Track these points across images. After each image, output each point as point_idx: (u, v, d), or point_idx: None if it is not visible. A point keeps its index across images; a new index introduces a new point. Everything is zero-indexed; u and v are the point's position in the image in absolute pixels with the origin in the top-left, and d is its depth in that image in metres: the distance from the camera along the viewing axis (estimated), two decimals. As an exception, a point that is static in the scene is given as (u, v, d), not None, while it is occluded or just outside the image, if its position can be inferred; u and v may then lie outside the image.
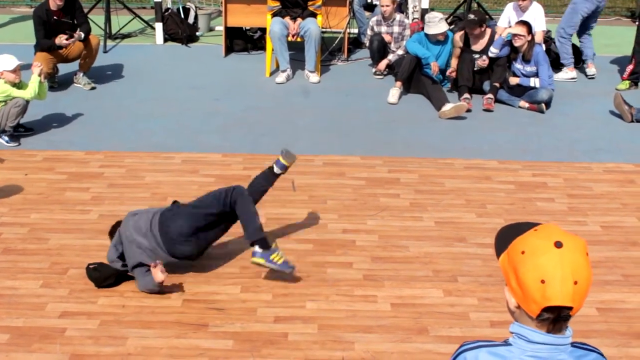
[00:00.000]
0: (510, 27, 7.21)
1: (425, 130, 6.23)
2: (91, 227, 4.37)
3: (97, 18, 8.60)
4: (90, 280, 3.70)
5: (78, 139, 5.84)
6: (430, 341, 3.36)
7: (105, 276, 3.71)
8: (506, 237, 1.62)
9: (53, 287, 3.73)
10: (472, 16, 7.14)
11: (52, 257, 4.03)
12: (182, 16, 9.33)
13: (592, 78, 7.82)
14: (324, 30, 7.94)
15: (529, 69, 6.88)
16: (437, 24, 7.06)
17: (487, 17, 8.25)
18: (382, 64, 7.75)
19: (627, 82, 7.47)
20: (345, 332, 3.41)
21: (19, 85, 5.72)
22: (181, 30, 9.08)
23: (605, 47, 8.68)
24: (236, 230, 3.97)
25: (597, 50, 8.05)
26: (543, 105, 6.73)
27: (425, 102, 6.92)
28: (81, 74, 7.18)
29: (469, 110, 6.60)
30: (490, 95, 6.84)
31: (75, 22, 7.00)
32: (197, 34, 9.41)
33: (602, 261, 4.08)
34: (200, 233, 3.70)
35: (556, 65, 7.79)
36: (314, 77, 7.59)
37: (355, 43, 8.98)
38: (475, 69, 7.07)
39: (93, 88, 7.16)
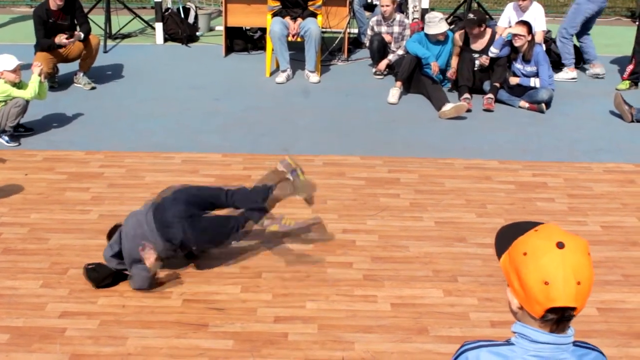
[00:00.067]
0: (510, 27, 7.21)
1: (425, 130, 6.23)
2: (91, 227, 4.37)
3: (97, 18, 8.61)
4: (88, 281, 3.70)
5: (78, 139, 5.84)
6: (430, 341, 3.36)
7: (103, 276, 3.71)
8: (506, 237, 1.62)
9: (53, 287, 3.73)
10: (471, 15, 7.15)
11: (52, 257, 4.03)
12: (182, 16, 9.33)
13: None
14: (324, 30, 7.94)
15: (529, 69, 6.88)
16: (437, 24, 7.06)
17: (487, 17, 8.25)
18: (382, 64, 7.75)
19: (627, 82, 7.47)
20: (345, 332, 3.41)
21: (19, 85, 5.72)
22: (181, 30, 9.08)
23: (605, 47, 8.68)
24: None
25: (597, 50, 8.05)
26: (543, 105, 6.74)
27: (425, 102, 6.92)
28: (81, 74, 7.18)
29: (469, 110, 6.60)
30: (490, 95, 6.84)
31: (76, 22, 7.01)
32: (197, 34, 9.42)
33: (602, 261, 4.08)
34: (194, 218, 3.69)
35: (556, 65, 7.80)
36: (314, 77, 7.59)
37: (355, 43, 8.98)
38: (476, 68, 7.07)
39: (93, 88, 7.16)
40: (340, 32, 8.30)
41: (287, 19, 7.55)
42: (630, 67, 7.50)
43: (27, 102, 5.71)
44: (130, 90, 7.19)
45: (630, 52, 7.63)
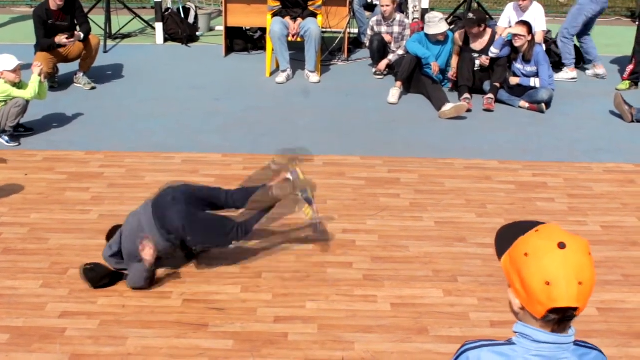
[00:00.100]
0: (510, 27, 7.21)
1: (425, 130, 6.23)
2: (91, 227, 4.37)
3: (97, 18, 8.61)
4: (86, 281, 3.69)
5: (78, 139, 5.84)
6: (430, 341, 3.36)
7: (100, 276, 3.71)
8: (507, 237, 1.62)
9: (53, 287, 3.73)
10: (471, 15, 7.15)
11: (52, 257, 4.03)
12: (182, 16, 9.33)
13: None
14: (324, 30, 7.94)
15: (529, 69, 6.88)
16: (437, 24, 7.06)
17: (487, 17, 8.25)
18: (382, 64, 7.75)
19: (627, 82, 7.48)
20: (345, 332, 3.41)
21: (19, 85, 5.72)
22: (181, 30, 9.08)
23: (605, 47, 8.68)
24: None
25: (597, 51, 8.05)
26: (543, 105, 6.74)
27: (425, 102, 6.92)
28: (81, 74, 7.18)
29: (469, 110, 6.60)
30: (490, 95, 6.84)
31: (75, 22, 7.01)
32: (197, 34, 9.42)
33: (602, 261, 4.08)
34: (194, 216, 3.69)
35: (557, 65, 7.80)
36: (314, 77, 7.59)
37: (355, 43, 8.98)
38: (476, 68, 7.07)
39: (93, 88, 7.16)
40: (340, 32, 8.30)
41: (287, 19, 7.55)
42: (630, 67, 7.50)
43: (27, 102, 5.71)
44: (130, 90, 7.19)
45: (630, 52, 7.63)
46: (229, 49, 8.63)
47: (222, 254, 4.04)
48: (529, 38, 6.80)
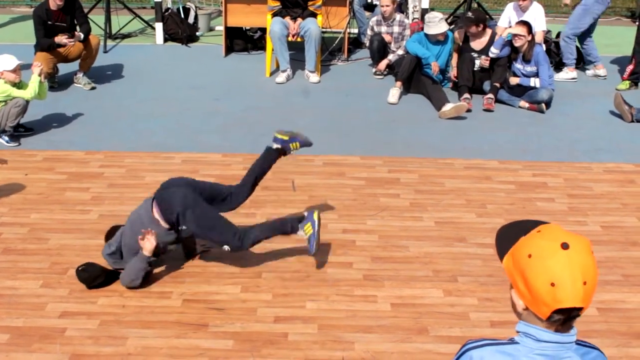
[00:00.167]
0: (510, 27, 7.21)
1: (425, 130, 6.23)
2: (91, 227, 4.37)
3: (97, 18, 8.61)
4: (81, 282, 3.69)
5: (78, 139, 5.84)
6: (430, 341, 3.36)
7: (94, 276, 3.69)
8: (507, 237, 1.62)
9: (53, 287, 3.73)
10: (469, 14, 7.16)
11: (52, 257, 4.03)
12: (182, 16, 9.33)
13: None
14: (324, 30, 7.94)
15: (529, 69, 6.88)
16: (437, 24, 7.07)
17: (487, 17, 8.25)
18: (382, 64, 7.75)
19: (627, 82, 7.48)
20: (345, 332, 3.41)
21: (19, 85, 5.72)
22: (181, 30, 9.08)
23: (605, 47, 8.68)
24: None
25: (598, 51, 8.05)
26: (543, 105, 6.74)
27: (425, 102, 6.92)
28: (81, 74, 7.18)
29: (469, 110, 6.60)
30: (490, 95, 6.84)
31: (75, 22, 7.01)
32: (197, 34, 9.42)
33: (602, 261, 4.07)
34: (196, 201, 3.69)
35: (557, 65, 7.79)
36: (314, 77, 7.59)
37: (355, 43, 8.98)
38: (476, 68, 7.07)
39: (93, 88, 7.16)
40: (340, 32, 8.30)
41: (287, 19, 7.55)
42: (630, 67, 7.51)
43: (27, 102, 5.71)
44: (130, 90, 7.19)
45: (630, 52, 7.63)
46: (229, 49, 8.63)
47: (222, 254, 4.03)
48: (529, 38, 6.80)
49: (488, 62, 7.01)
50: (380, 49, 7.76)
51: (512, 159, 5.56)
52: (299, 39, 7.66)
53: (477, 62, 7.09)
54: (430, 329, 3.44)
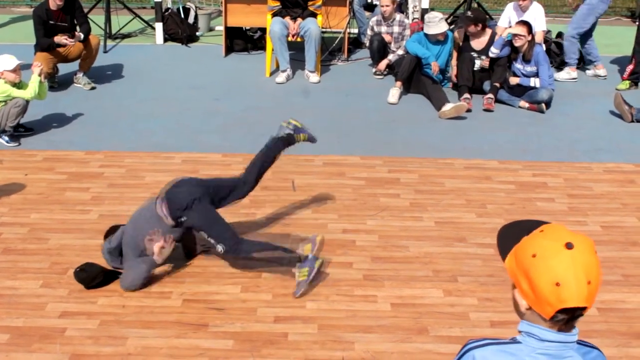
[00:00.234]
0: (510, 27, 7.21)
1: (425, 130, 6.23)
2: (91, 227, 4.37)
3: (97, 18, 8.61)
4: (79, 283, 3.69)
5: (78, 139, 5.84)
6: (430, 341, 3.36)
7: (92, 276, 3.69)
8: (509, 237, 1.62)
9: (53, 287, 3.73)
10: (469, 13, 7.17)
11: (52, 257, 4.03)
12: (182, 16, 9.33)
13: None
14: (324, 30, 7.94)
15: (529, 69, 6.88)
16: (437, 24, 7.07)
17: (486, 16, 8.25)
18: (382, 64, 7.75)
19: (627, 82, 7.48)
20: (345, 332, 3.41)
21: (19, 85, 5.72)
22: (181, 30, 9.08)
23: (605, 47, 8.68)
24: (237, 230, 3.97)
25: (598, 51, 8.05)
26: (543, 105, 6.74)
27: (425, 102, 6.92)
28: (81, 74, 7.18)
29: (469, 110, 6.60)
30: (490, 95, 6.84)
31: (75, 22, 7.01)
32: (197, 34, 9.42)
33: (602, 261, 4.02)
34: (203, 196, 3.74)
35: (559, 65, 7.79)
36: (314, 77, 7.59)
37: (355, 43, 8.98)
38: (476, 68, 7.07)
39: (93, 88, 7.16)
40: (340, 32, 8.30)
41: (287, 19, 7.55)
42: (630, 67, 7.50)
43: (27, 102, 5.71)
44: (130, 90, 7.19)
45: (630, 52, 7.63)
46: (229, 49, 8.63)
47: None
48: (529, 38, 6.80)
49: (488, 62, 7.01)
50: (380, 49, 7.76)
51: (512, 159, 5.56)
52: (299, 39, 7.66)
53: (477, 62, 7.09)
54: (430, 329, 3.44)
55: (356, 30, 9.05)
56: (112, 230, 3.90)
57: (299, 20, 7.51)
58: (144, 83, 7.45)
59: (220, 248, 3.69)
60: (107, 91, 7.17)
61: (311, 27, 7.46)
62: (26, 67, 6.03)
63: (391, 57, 7.74)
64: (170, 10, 9.28)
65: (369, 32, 8.03)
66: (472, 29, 7.04)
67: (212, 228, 3.70)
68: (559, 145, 5.94)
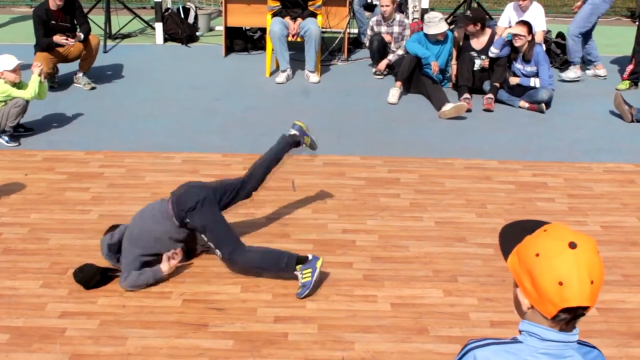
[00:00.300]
0: (510, 27, 7.21)
1: (425, 130, 6.23)
2: (91, 227, 4.37)
3: (97, 18, 8.61)
4: (79, 284, 3.69)
5: (78, 139, 5.84)
6: (430, 341, 3.36)
7: (90, 276, 3.69)
8: (511, 237, 1.62)
9: (53, 287, 3.73)
10: (468, 13, 7.17)
11: (52, 257, 4.03)
12: (182, 16, 9.33)
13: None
14: (324, 30, 7.94)
15: (529, 69, 6.88)
16: (437, 24, 7.07)
17: (486, 16, 8.25)
18: (382, 64, 7.75)
19: (627, 82, 7.47)
20: (345, 332, 3.41)
21: (19, 85, 5.72)
22: (181, 30, 9.08)
23: (605, 47, 8.68)
24: (236, 230, 3.97)
25: (598, 50, 8.04)
26: (543, 105, 6.74)
27: (425, 102, 6.92)
28: (81, 74, 7.18)
29: (469, 110, 6.60)
30: (490, 95, 6.84)
31: (75, 22, 7.01)
32: (197, 34, 9.42)
33: (603, 261, 4.06)
34: (210, 198, 3.79)
35: (562, 64, 7.78)
36: (314, 77, 7.59)
37: (355, 43, 8.98)
38: (476, 68, 7.07)
39: (93, 88, 7.16)
40: (340, 32, 8.30)
41: (287, 19, 7.55)
42: (630, 67, 7.50)
43: (27, 102, 5.71)
44: (130, 90, 7.19)
45: (630, 52, 7.63)
46: (229, 49, 8.63)
47: (222, 254, 4.04)
48: (529, 38, 6.80)
49: (487, 62, 7.01)
50: (380, 49, 7.76)
51: (512, 159, 5.56)
52: (299, 39, 7.66)
53: (477, 62, 7.09)
54: (430, 329, 3.44)
55: (356, 30, 9.05)
56: (112, 229, 3.90)
57: (299, 20, 7.51)
58: (144, 83, 7.45)
59: (218, 253, 3.76)
60: (107, 91, 7.17)
61: (311, 27, 7.46)
62: (26, 67, 6.03)
63: (391, 57, 7.74)
64: (170, 10, 9.28)
65: (369, 32, 8.03)
66: (471, 28, 7.04)
67: (213, 232, 3.74)
68: (559, 145, 5.94)
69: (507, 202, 4.82)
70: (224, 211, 3.88)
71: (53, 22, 6.76)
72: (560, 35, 8.40)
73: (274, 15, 7.57)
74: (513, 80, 6.94)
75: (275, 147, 4.22)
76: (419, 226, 4.47)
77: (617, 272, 3.99)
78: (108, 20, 9.01)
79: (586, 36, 7.79)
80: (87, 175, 5.13)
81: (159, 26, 9.04)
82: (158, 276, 3.73)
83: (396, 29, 7.76)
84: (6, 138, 5.69)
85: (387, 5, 7.59)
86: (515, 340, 1.58)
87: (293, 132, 4.28)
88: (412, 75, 7.08)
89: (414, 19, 8.50)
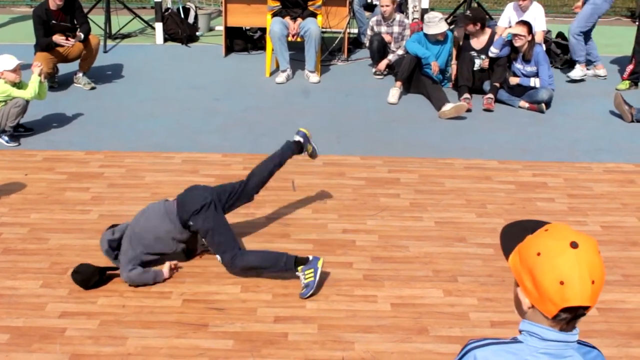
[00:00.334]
0: (510, 27, 7.21)
1: (425, 130, 6.23)
2: (91, 227, 4.37)
3: (97, 18, 8.61)
4: (78, 285, 3.69)
5: (78, 139, 5.84)
6: (430, 341, 3.36)
7: (87, 277, 3.69)
8: (512, 236, 1.62)
9: (53, 287, 3.73)
10: (468, 12, 7.17)
11: (52, 257, 4.03)
12: (182, 16, 9.33)
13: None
14: (324, 30, 7.94)
15: (529, 69, 6.88)
16: (437, 24, 7.07)
17: (485, 16, 8.25)
18: (382, 64, 7.75)
19: (627, 82, 7.47)
20: (345, 332, 3.41)
21: (19, 85, 5.72)
22: (181, 30, 9.08)
23: (605, 47, 8.68)
24: (237, 230, 3.97)
25: (598, 50, 8.04)
26: (543, 105, 6.74)
27: (425, 102, 6.92)
28: (81, 74, 7.18)
29: (469, 110, 6.60)
30: (490, 95, 6.84)
31: (75, 22, 7.01)
32: (197, 34, 9.42)
33: (603, 261, 4.07)
34: (216, 203, 3.82)
35: (564, 63, 7.77)
36: (314, 77, 7.59)
37: (355, 43, 8.98)
38: (476, 68, 7.08)
39: (93, 88, 7.16)
40: (340, 32, 8.30)
41: (287, 19, 7.55)
42: (630, 67, 7.50)
43: (27, 102, 5.71)
44: (130, 90, 7.19)
45: (630, 52, 7.63)
46: (229, 49, 8.63)
47: (222, 254, 4.04)
48: (529, 38, 6.80)
49: (487, 62, 7.01)
50: (380, 49, 7.76)
51: (512, 159, 5.56)
52: (299, 39, 7.66)
53: (477, 62, 7.09)
54: (430, 329, 3.44)
55: (356, 30, 9.05)
56: (112, 227, 3.90)
57: (299, 20, 7.51)
58: (144, 83, 7.45)
59: (218, 258, 3.80)
60: (107, 91, 7.17)
61: (311, 27, 7.46)
62: (26, 67, 6.03)
63: (391, 57, 7.74)
64: (170, 10, 9.28)
65: (369, 32, 8.03)
66: (470, 28, 7.05)
67: (215, 237, 3.76)
68: (559, 145, 5.94)
69: (507, 202, 4.82)
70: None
71: (54, 21, 6.75)
72: (560, 35, 8.39)
73: (274, 15, 7.57)
74: (513, 80, 6.94)
75: (279, 152, 4.26)
76: (419, 226, 4.48)
77: (617, 272, 3.99)
78: (108, 20, 9.01)
79: (586, 36, 7.79)
80: (87, 175, 5.13)
81: (159, 26, 9.04)
82: (158, 279, 3.76)
83: (396, 29, 7.76)
84: (6, 138, 5.69)
85: (387, 5, 7.59)
86: (515, 340, 1.58)
87: (297, 138, 4.33)
88: (412, 75, 7.08)
89: (414, 19, 8.50)
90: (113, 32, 9.17)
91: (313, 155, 4.45)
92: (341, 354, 3.25)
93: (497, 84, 6.92)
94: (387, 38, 7.76)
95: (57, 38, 6.71)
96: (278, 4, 7.58)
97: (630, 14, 11.46)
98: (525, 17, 7.20)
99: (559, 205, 4.82)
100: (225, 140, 5.88)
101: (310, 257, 3.75)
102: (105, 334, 3.36)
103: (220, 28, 8.89)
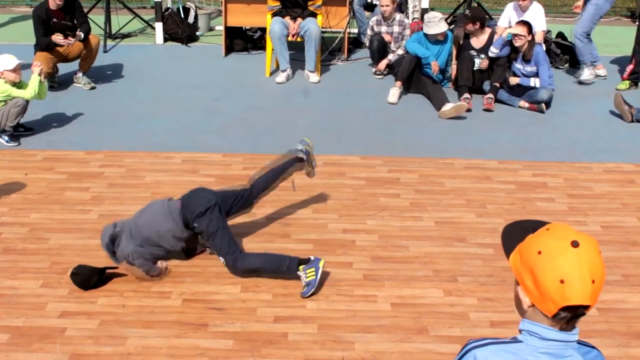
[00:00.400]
0: (510, 27, 7.21)
1: (425, 130, 6.23)
2: (91, 227, 4.37)
3: (97, 18, 8.61)
4: (77, 287, 3.69)
5: (78, 139, 5.84)
6: (430, 341, 3.36)
7: (86, 277, 3.69)
8: (514, 235, 1.63)
9: (53, 287, 3.73)
10: (467, 12, 7.18)
11: (52, 257, 4.03)
12: (182, 16, 9.33)
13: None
14: (324, 30, 7.94)
15: (529, 69, 6.88)
16: (437, 24, 7.07)
17: (485, 16, 8.24)
18: (382, 64, 7.75)
19: (627, 82, 7.47)
20: (345, 332, 3.41)
21: (19, 85, 5.72)
22: (181, 30, 9.08)
23: (605, 47, 8.68)
24: (237, 230, 3.97)
25: (597, 50, 8.04)
26: (543, 105, 6.74)
27: (425, 102, 6.92)
28: (81, 74, 7.18)
29: (469, 110, 6.60)
30: (490, 95, 6.84)
31: (75, 22, 7.01)
32: (197, 33, 9.42)
33: (603, 261, 4.07)
34: (219, 206, 3.84)
35: (571, 63, 7.78)
36: (314, 77, 7.59)
37: (355, 43, 8.98)
38: (476, 68, 7.08)
39: (93, 88, 7.16)
40: (340, 32, 8.30)
41: (287, 18, 7.55)
42: (630, 67, 7.50)
43: (27, 102, 5.71)
44: (130, 90, 7.19)
45: (630, 52, 7.63)
46: (229, 49, 8.63)
47: (222, 254, 4.04)
48: (529, 38, 6.80)
49: (487, 62, 7.01)
50: (380, 49, 7.76)
51: (512, 159, 5.56)
52: (299, 39, 7.66)
53: (477, 62, 7.09)
54: (430, 329, 3.44)
55: (356, 30, 9.05)
56: None
57: (299, 20, 7.51)
58: (144, 83, 7.45)
59: (221, 260, 3.82)
60: (107, 91, 7.17)
61: (311, 27, 7.46)
62: (26, 67, 6.03)
63: (391, 57, 7.74)
64: (170, 10, 9.28)
65: (369, 32, 8.03)
66: (470, 27, 7.05)
67: (218, 240, 3.78)
68: (559, 145, 5.94)
69: (507, 202, 4.82)
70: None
71: (55, 20, 6.75)
72: (560, 35, 8.39)
73: (274, 15, 7.57)
74: (513, 80, 6.94)
75: (282, 163, 4.29)
76: (419, 226, 4.48)
77: (617, 272, 3.99)
78: (108, 20, 9.01)
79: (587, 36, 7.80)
80: (87, 175, 5.13)
81: (159, 26, 9.04)
82: (153, 271, 3.77)
83: (396, 28, 7.76)
84: (6, 138, 5.69)
85: (387, 5, 7.59)
86: (515, 340, 1.58)
87: (301, 155, 4.33)
88: (412, 75, 7.08)
89: (414, 18, 8.50)
90: (113, 31, 9.17)
91: (310, 174, 4.47)
92: (341, 354, 3.25)
93: (497, 84, 6.92)
94: (387, 38, 7.76)
95: (57, 37, 6.70)
96: (278, 3, 7.58)
97: (630, 14, 11.46)
98: (525, 17, 7.20)
99: (559, 205, 4.82)
100: (225, 140, 5.88)
101: (312, 258, 3.76)
102: (105, 334, 3.36)
103: (220, 28, 8.90)
